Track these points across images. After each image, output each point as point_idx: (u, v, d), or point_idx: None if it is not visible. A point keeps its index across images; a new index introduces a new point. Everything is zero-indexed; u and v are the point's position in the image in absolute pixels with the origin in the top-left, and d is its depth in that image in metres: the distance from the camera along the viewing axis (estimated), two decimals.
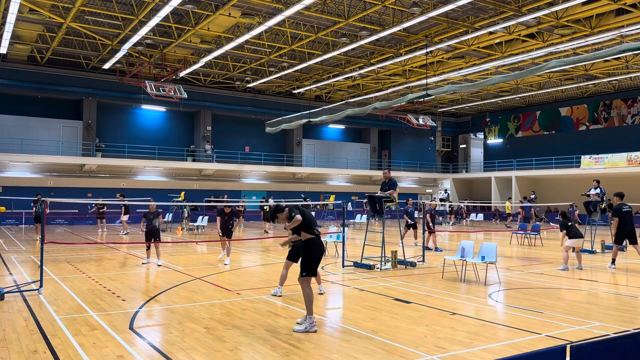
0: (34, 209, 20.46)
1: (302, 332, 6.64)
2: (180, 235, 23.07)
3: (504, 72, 30.08)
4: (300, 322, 6.92)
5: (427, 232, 16.42)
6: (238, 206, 28.15)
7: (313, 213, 22.89)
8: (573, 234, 12.66)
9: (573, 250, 12.93)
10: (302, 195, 32.42)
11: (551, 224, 30.33)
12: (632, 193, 31.69)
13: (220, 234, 13.40)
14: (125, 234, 23.01)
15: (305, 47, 26.88)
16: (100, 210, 24.86)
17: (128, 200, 23.76)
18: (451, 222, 33.00)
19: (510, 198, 27.84)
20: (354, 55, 28.52)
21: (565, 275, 11.74)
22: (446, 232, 25.18)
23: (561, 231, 12.93)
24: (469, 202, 39.47)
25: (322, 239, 16.13)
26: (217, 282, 10.60)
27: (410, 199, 19.34)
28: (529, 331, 6.75)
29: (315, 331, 6.69)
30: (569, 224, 12.83)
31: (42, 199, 9.91)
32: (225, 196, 13.52)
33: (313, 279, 8.61)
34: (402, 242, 14.52)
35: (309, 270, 6.88)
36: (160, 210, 13.98)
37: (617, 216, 12.93)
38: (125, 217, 23.44)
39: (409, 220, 18.13)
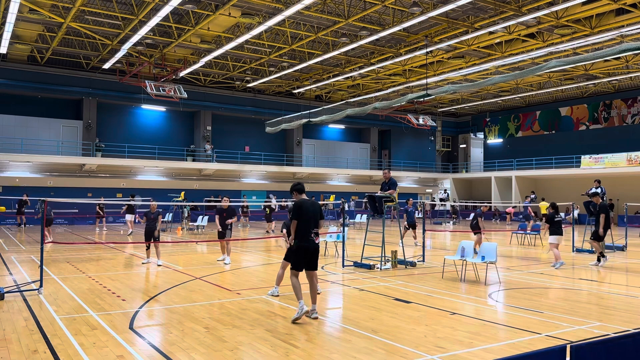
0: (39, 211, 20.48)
1: (298, 317, 7.13)
2: (180, 235, 23.07)
3: (504, 72, 30.07)
4: (315, 316, 7.42)
5: (477, 233, 16.12)
6: (242, 207, 28.22)
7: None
8: (554, 230, 12.73)
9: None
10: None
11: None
12: (632, 193, 31.76)
13: (219, 236, 13.38)
14: (130, 234, 22.95)
15: (305, 47, 26.88)
16: (100, 210, 24.87)
17: (125, 200, 23.75)
18: (451, 222, 33.04)
19: (543, 199, 28.19)
20: (354, 55, 28.51)
21: (565, 275, 11.74)
22: (447, 232, 25.19)
23: (546, 222, 13.01)
24: (460, 203, 39.49)
25: (322, 239, 16.11)
26: (217, 282, 10.60)
27: (410, 199, 19.30)
28: (529, 331, 6.75)
29: (307, 311, 7.23)
30: (556, 218, 12.81)
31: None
32: (224, 197, 13.55)
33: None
34: (402, 242, 14.51)
35: (292, 264, 7.51)
36: (160, 210, 13.97)
37: (605, 212, 13.07)
38: (129, 217, 23.39)
39: (407, 220, 18.13)
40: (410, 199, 19.06)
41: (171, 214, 27.56)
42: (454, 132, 48.88)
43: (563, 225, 13.25)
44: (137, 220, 25.39)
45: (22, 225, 26.00)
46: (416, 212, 19.74)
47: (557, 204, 27.38)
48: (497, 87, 35.42)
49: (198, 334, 6.55)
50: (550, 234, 12.85)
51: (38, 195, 20.66)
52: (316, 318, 7.34)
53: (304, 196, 7.67)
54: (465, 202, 41.37)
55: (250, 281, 10.80)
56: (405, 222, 18.20)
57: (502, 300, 9.04)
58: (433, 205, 38.68)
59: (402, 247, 13.71)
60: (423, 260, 13.40)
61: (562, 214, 33.43)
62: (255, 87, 36.01)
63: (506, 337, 6.55)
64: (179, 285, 10.15)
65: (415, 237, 18.13)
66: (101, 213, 25.44)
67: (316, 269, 7.62)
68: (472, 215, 17.33)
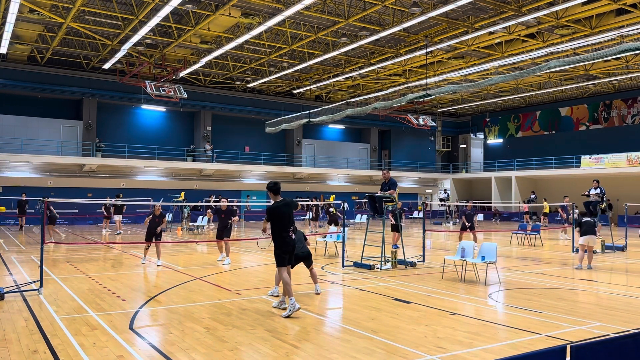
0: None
1: (289, 315, 7.36)
2: (180, 235, 23.07)
3: (504, 72, 30.05)
4: (285, 307, 7.69)
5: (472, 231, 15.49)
6: (240, 206, 28.12)
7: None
8: (582, 231, 12.60)
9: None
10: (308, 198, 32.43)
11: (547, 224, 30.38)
12: (632, 193, 31.76)
13: (217, 236, 13.44)
14: (118, 234, 23.02)
15: (305, 47, 26.88)
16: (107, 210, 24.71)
17: (126, 200, 23.73)
18: (451, 222, 33.08)
19: (545, 199, 28.52)
20: (354, 55, 28.51)
21: (565, 275, 11.74)
22: (447, 232, 25.18)
23: (575, 227, 12.88)
24: (457, 203, 39.51)
25: (322, 239, 16.10)
26: (217, 282, 10.60)
27: (470, 202, 17.90)
28: (529, 331, 6.75)
29: (299, 308, 7.52)
30: (583, 220, 12.67)
31: (42, 199, 9.88)
32: (222, 199, 13.67)
33: (310, 279, 9.35)
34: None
35: (278, 262, 7.89)
36: (164, 212, 13.98)
37: None
38: (118, 217, 23.40)
39: (466, 223, 16.73)
40: (470, 203, 18.24)
41: (171, 214, 27.56)
42: (454, 132, 48.88)
43: (565, 226, 13.16)
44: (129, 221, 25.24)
45: (22, 228, 25.68)
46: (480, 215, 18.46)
47: (557, 204, 27.07)
48: (497, 87, 35.41)
49: (198, 334, 6.55)
50: (581, 235, 12.69)
51: (38, 196, 20.59)
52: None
53: (279, 197, 7.96)
54: (459, 203, 41.33)
55: (250, 281, 10.81)
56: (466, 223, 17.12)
57: (502, 300, 9.04)
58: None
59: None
60: (423, 260, 13.40)
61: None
62: (255, 87, 36.01)
63: (506, 337, 6.55)
64: (179, 285, 10.15)
65: (475, 240, 17.03)
66: (106, 213, 25.22)
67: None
68: (463, 216, 17.16)
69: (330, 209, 24.09)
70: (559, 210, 27.16)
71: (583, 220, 12.70)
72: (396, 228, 15.38)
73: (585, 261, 12.74)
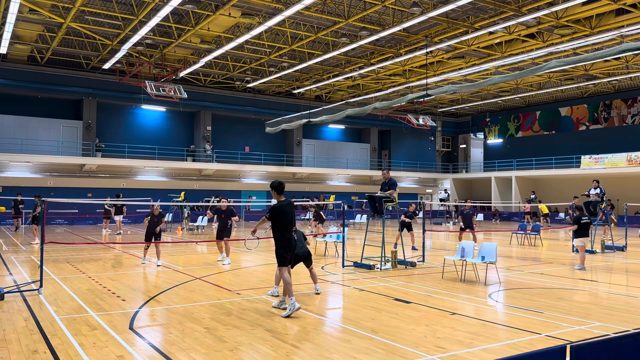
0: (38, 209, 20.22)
1: (289, 314, 7.35)
2: (180, 235, 23.07)
3: (504, 72, 30.06)
4: (285, 307, 7.66)
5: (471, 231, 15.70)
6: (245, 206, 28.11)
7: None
8: (578, 232, 12.67)
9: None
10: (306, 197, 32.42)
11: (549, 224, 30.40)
12: (632, 193, 31.78)
13: (217, 236, 13.43)
14: (118, 234, 23.01)
15: (305, 47, 26.88)
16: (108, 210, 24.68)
17: (126, 200, 23.74)
18: (451, 222, 33.09)
19: (540, 200, 28.78)
20: (354, 55, 28.51)
21: (565, 275, 11.74)
22: (447, 232, 25.18)
23: (574, 224, 12.92)
24: (457, 203, 39.51)
25: (322, 239, 16.13)
26: (217, 282, 10.60)
27: (468, 201, 17.94)
28: (529, 331, 6.75)
29: (299, 308, 7.51)
30: (582, 220, 12.75)
31: (42, 199, 9.87)
32: (222, 199, 13.74)
33: (310, 279, 9.36)
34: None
35: (279, 261, 7.85)
36: (164, 211, 13.94)
37: None
38: (119, 217, 23.39)
39: (461, 224, 16.89)
40: (468, 202, 18.30)
41: (171, 214, 27.56)
42: (454, 132, 48.88)
43: (565, 226, 13.19)
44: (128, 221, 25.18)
45: (19, 229, 25.44)
46: (480, 215, 18.77)
47: (557, 204, 27.16)
48: (497, 87, 35.41)
49: (198, 334, 6.55)
50: (576, 236, 12.79)
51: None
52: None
53: (283, 197, 7.98)
54: (458, 203, 41.31)
55: (250, 281, 10.81)
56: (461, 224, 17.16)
57: (502, 300, 9.04)
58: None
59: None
60: (423, 261, 13.40)
61: (562, 214, 33.64)
62: (255, 87, 36.01)
63: (506, 337, 6.55)
64: (179, 285, 10.15)
65: (475, 240, 17.04)
66: (107, 213, 25.17)
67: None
68: (461, 216, 17.24)
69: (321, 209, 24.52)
70: (569, 211, 27.22)
71: (582, 221, 12.73)
72: (402, 228, 15.73)
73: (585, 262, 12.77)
